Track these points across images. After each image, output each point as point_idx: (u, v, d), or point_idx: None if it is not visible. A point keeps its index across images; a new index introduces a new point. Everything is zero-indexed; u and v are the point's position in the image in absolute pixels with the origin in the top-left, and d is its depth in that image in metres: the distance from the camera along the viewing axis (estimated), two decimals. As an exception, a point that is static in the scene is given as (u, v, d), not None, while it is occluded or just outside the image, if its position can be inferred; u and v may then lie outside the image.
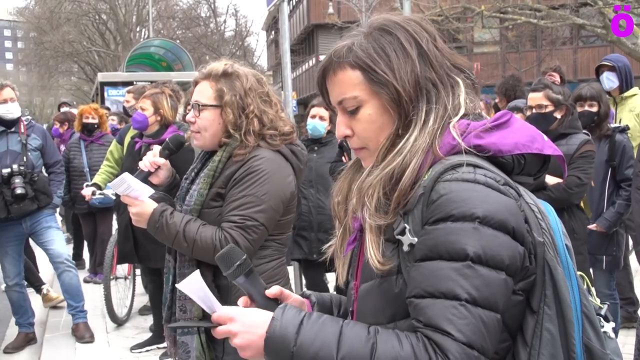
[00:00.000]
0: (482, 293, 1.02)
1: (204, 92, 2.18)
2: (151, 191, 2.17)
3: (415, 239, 1.08)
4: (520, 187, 1.15)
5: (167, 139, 2.34)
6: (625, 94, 4.70)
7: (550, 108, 3.53)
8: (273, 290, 1.26)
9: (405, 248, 1.10)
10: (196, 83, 2.23)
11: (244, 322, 1.14)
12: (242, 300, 1.26)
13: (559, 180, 3.36)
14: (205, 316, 2.14)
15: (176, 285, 1.31)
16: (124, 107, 5.65)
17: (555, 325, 1.08)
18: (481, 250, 1.03)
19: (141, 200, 2.14)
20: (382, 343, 1.04)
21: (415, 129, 1.14)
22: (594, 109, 4.07)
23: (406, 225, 1.10)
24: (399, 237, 1.10)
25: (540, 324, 1.08)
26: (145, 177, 2.23)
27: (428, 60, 1.17)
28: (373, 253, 1.13)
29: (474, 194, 1.05)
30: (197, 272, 1.23)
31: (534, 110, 3.57)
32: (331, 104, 1.25)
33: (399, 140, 1.15)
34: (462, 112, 1.16)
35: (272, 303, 1.24)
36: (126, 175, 2.11)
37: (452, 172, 1.08)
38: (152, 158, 2.26)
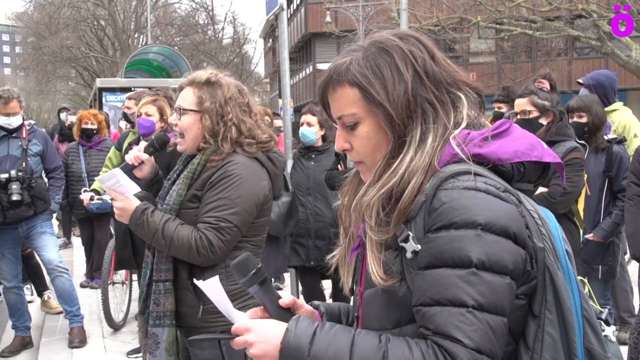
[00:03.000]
0: (488, 298, 1.04)
1: (187, 98, 2.31)
2: (137, 189, 2.28)
3: (419, 246, 1.10)
4: (521, 194, 1.17)
5: (152, 138, 2.49)
6: (606, 109, 4.73)
7: (534, 114, 3.53)
8: (286, 300, 1.29)
9: (409, 255, 1.12)
10: (181, 89, 2.36)
11: (260, 333, 1.16)
12: (250, 312, 1.28)
13: (544, 189, 3.37)
14: (178, 310, 2.25)
15: (195, 282, 1.36)
16: (124, 114, 5.65)
17: (557, 329, 1.10)
18: (485, 256, 1.05)
19: (126, 197, 2.25)
20: (393, 351, 1.06)
21: (410, 149, 1.16)
22: (583, 120, 4.10)
23: (409, 232, 1.12)
24: (403, 244, 1.12)
25: (542, 328, 1.10)
26: (129, 170, 2.37)
27: (425, 80, 1.18)
28: (375, 270, 1.15)
29: (475, 201, 1.07)
30: (216, 277, 1.27)
31: (518, 116, 3.59)
32: (332, 117, 1.27)
33: (394, 160, 1.17)
34: (463, 125, 1.18)
35: (285, 312, 1.26)
36: (117, 170, 2.24)
37: (453, 181, 1.10)
38: (137, 153, 2.41)
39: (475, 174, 1.11)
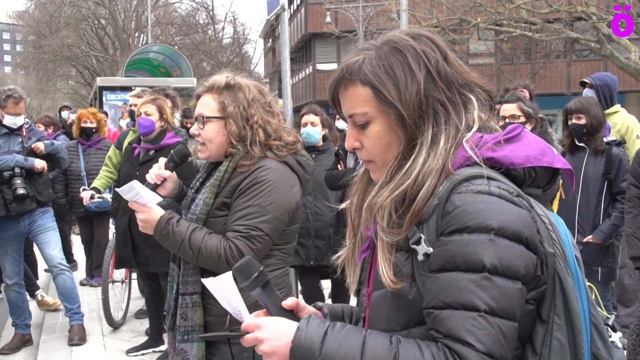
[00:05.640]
0: (500, 303, 1.04)
1: (208, 105, 2.21)
2: (159, 199, 2.20)
3: (431, 249, 1.10)
4: (531, 198, 1.17)
5: (172, 152, 2.37)
6: (607, 111, 4.79)
7: (522, 119, 3.70)
8: (289, 302, 1.28)
9: (420, 257, 1.11)
10: (198, 97, 2.26)
11: (271, 330, 1.16)
12: (254, 315, 1.27)
13: None
14: (207, 323, 2.16)
15: (202, 280, 1.33)
16: (131, 111, 5.68)
17: (565, 334, 1.11)
18: (497, 261, 1.05)
19: (149, 207, 2.16)
20: (404, 352, 1.07)
21: (422, 150, 1.15)
22: (582, 122, 4.14)
23: (421, 235, 1.11)
24: (414, 246, 1.12)
25: (550, 333, 1.11)
26: (152, 189, 2.26)
27: (437, 81, 1.17)
28: (385, 272, 1.14)
29: (488, 206, 1.07)
30: (230, 273, 1.24)
31: (507, 121, 3.70)
32: (342, 114, 1.26)
33: (405, 161, 1.16)
34: (475, 128, 1.18)
35: (288, 315, 1.26)
36: (135, 182, 2.14)
37: (466, 184, 1.10)
38: (158, 171, 2.30)
39: (489, 178, 1.11)
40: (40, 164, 4.61)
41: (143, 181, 2.27)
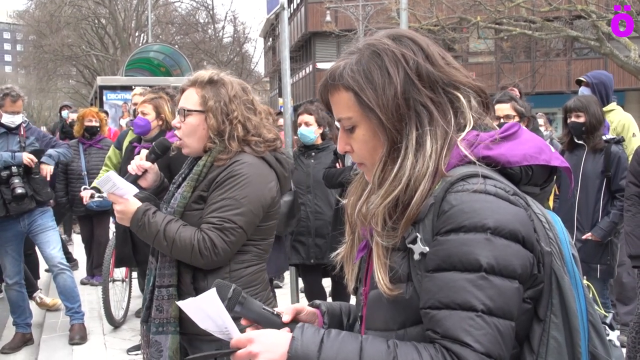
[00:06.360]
0: (497, 303, 1.04)
1: (190, 99, 2.25)
2: (136, 190, 2.23)
3: (427, 248, 1.10)
4: (528, 197, 1.17)
5: (153, 144, 2.40)
6: (604, 109, 4.81)
7: (516, 119, 3.74)
8: (288, 314, 1.27)
9: (416, 257, 1.11)
10: (183, 90, 2.30)
11: (264, 342, 1.14)
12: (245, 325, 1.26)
13: None
14: (182, 317, 2.15)
15: (178, 303, 1.30)
16: (134, 111, 5.69)
17: (562, 333, 1.11)
18: (494, 260, 1.05)
19: (126, 199, 2.19)
20: (402, 356, 1.07)
21: (409, 153, 1.14)
22: (581, 120, 4.18)
23: (417, 234, 1.11)
24: (410, 245, 1.12)
25: (547, 331, 1.11)
26: (133, 180, 2.30)
27: (417, 82, 1.16)
28: (381, 277, 1.14)
29: (485, 205, 1.07)
30: (214, 290, 1.21)
31: (501, 120, 3.72)
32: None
33: (392, 165, 1.16)
34: (469, 127, 1.17)
35: (275, 318, 1.25)
36: (112, 173, 2.18)
37: (462, 183, 1.10)
38: (139, 162, 2.34)
39: (484, 177, 1.10)
40: (28, 157, 4.56)
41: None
